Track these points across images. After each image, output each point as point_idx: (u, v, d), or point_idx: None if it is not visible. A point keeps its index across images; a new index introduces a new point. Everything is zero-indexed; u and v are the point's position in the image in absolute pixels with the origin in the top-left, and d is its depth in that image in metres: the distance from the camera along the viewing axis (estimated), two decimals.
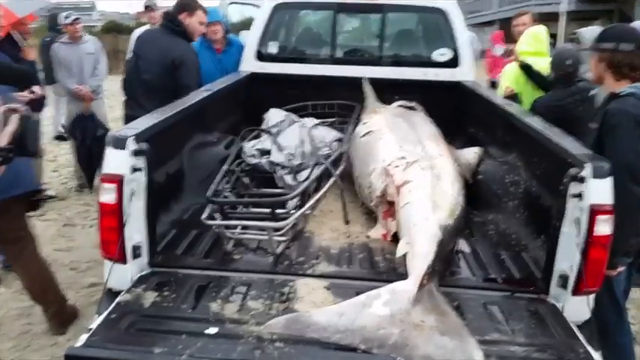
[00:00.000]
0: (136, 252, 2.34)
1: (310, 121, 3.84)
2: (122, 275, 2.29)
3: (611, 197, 2.13)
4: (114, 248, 2.25)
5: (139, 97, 3.81)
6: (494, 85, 5.48)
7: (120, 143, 2.24)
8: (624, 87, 2.46)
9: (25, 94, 3.55)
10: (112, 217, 2.25)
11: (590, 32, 4.13)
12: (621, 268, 2.52)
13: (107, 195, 2.23)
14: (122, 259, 2.29)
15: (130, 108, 3.93)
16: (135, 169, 2.27)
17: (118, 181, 2.22)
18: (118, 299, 2.16)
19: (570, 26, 23.09)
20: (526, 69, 3.87)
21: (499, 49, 4.55)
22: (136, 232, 2.33)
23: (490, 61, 6.81)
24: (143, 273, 2.37)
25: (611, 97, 2.54)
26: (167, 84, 3.68)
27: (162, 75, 3.73)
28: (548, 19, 21.65)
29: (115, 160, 2.24)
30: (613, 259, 2.32)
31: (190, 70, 3.75)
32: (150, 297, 2.17)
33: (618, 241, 2.21)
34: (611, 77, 2.49)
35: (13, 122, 1.58)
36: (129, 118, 3.88)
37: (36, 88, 3.63)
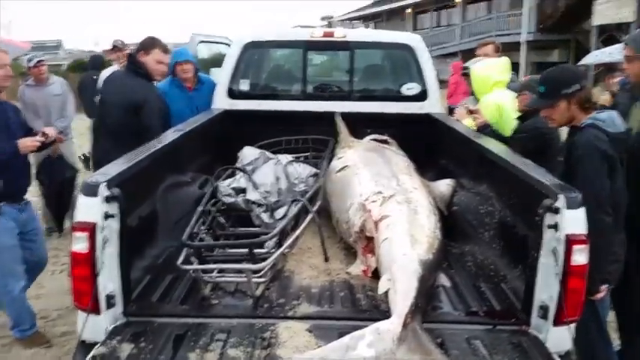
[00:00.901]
0: (110, 301, 2.26)
1: (285, 158, 3.84)
2: (96, 326, 2.21)
3: (586, 227, 2.16)
4: (87, 299, 2.17)
5: (104, 140, 3.76)
6: (451, 111, 5.56)
7: (91, 190, 2.19)
8: (584, 119, 2.54)
9: (37, 139, 3.45)
10: (85, 267, 2.18)
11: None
12: (603, 289, 2.55)
13: (79, 244, 2.17)
14: (95, 310, 2.20)
15: (95, 151, 3.89)
16: (107, 216, 2.21)
17: (90, 229, 2.16)
18: (92, 353, 2.07)
19: (530, 55, 23.99)
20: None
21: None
22: (109, 280, 2.25)
23: (452, 88, 6.98)
24: (117, 323, 2.28)
25: (572, 129, 2.61)
26: (130, 126, 3.62)
27: (123, 117, 3.67)
28: (509, 48, 22.43)
29: (87, 208, 2.18)
30: (592, 286, 2.36)
31: (152, 111, 3.70)
32: (126, 349, 2.09)
33: (595, 269, 2.25)
34: (582, 113, 2.58)
35: None
36: (96, 163, 3.83)
37: (49, 130, 3.53)
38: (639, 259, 2.72)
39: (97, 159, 3.81)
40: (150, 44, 3.86)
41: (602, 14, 18.84)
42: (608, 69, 5.40)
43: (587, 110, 2.57)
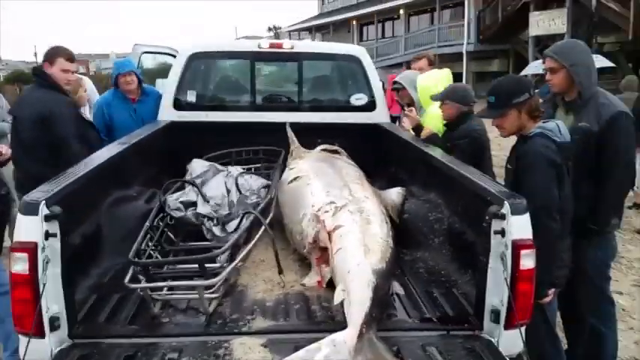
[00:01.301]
0: (54, 324, 2.16)
1: (235, 170, 3.79)
2: (40, 350, 2.11)
3: (531, 232, 2.23)
4: (29, 322, 2.07)
5: (19, 159, 3.61)
6: (393, 120, 5.64)
7: (31, 209, 2.09)
8: (532, 128, 2.63)
9: None
10: (26, 289, 2.08)
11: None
12: (551, 293, 2.63)
13: (19, 265, 2.07)
14: (39, 333, 2.11)
15: (17, 170, 3.73)
16: (48, 235, 2.12)
17: (31, 249, 2.07)
18: None
19: (470, 65, 24.83)
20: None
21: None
22: (53, 302, 2.15)
23: (389, 99, 7.08)
24: (63, 346, 2.18)
25: (521, 138, 2.68)
26: (42, 140, 3.51)
27: (34, 131, 3.55)
28: (451, 59, 23.18)
29: (27, 227, 2.09)
30: (541, 291, 2.45)
31: (62, 120, 3.57)
32: None
33: (543, 274, 2.34)
34: (531, 121, 2.66)
35: None
36: (18, 185, 3.67)
37: (1, 147, 3.31)
38: (583, 261, 2.83)
39: (19, 177, 3.65)
40: (53, 54, 3.74)
41: (537, 26, 19.75)
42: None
43: (535, 119, 2.65)
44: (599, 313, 3.06)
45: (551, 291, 2.64)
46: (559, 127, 2.59)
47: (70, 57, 3.79)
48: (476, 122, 3.64)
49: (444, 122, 3.81)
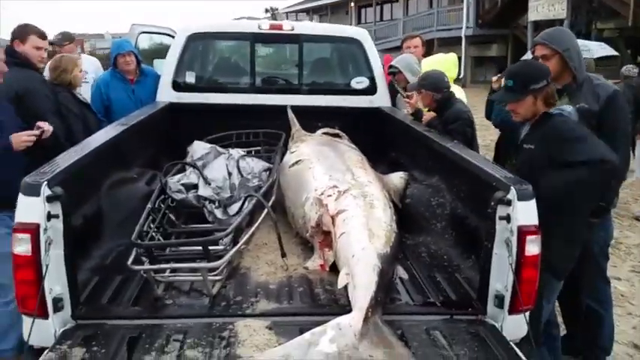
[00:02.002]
0: (58, 304, 2.16)
1: (237, 153, 3.76)
2: (44, 331, 2.11)
3: (537, 218, 2.22)
4: (33, 303, 2.07)
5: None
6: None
7: (33, 190, 2.08)
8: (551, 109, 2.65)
9: (33, 132, 3.10)
10: (29, 270, 2.08)
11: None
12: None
13: (21, 246, 2.06)
14: (43, 314, 2.10)
15: None
16: (51, 216, 2.11)
17: (33, 230, 2.06)
18: (41, 358, 1.98)
19: (469, 49, 24.69)
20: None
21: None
22: (56, 283, 2.15)
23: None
24: (67, 327, 2.19)
25: (543, 116, 2.67)
26: (20, 119, 3.37)
27: (11, 111, 3.40)
28: (449, 43, 23.04)
29: (29, 208, 2.08)
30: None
31: (38, 96, 3.51)
32: (77, 354, 2.00)
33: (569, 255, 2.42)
34: (545, 108, 2.65)
35: None
36: None
37: (43, 124, 3.18)
38: (588, 241, 2.85)
39: None
40: (23, 32, 3.64)
41: (537, 11, 19.60)
42: None
43: (549, 106, 2.65)
44: (596, 294, 3.11)
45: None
46: (573, 111, 2.60)
47: (42, 34, 3.70)
48: (460, 104, 3.63)
49: (427, 110, 3.79)
